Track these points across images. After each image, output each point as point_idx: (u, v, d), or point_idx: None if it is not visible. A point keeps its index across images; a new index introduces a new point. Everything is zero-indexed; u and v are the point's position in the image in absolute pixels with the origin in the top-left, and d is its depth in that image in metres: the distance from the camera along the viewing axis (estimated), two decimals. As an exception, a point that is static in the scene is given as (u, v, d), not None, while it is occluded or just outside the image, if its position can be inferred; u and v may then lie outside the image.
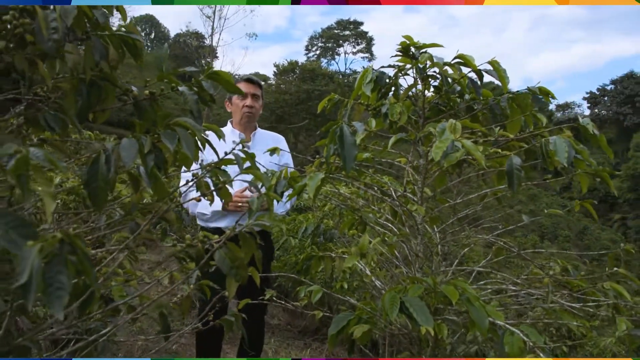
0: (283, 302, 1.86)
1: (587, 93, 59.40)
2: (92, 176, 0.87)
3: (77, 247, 0.53)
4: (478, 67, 1.53)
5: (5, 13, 0.81)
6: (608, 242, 43.04)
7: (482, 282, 1.81)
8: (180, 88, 1.12)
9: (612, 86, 56.40)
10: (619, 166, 50.67)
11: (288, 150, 2.83)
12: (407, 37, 1.53)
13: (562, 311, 1.67)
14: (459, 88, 1.64)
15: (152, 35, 55.02)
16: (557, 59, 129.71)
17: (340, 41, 59.19)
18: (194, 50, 43.48)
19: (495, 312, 1.41)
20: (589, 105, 59.17)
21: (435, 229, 1.88)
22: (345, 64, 71.59)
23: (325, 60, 58.46)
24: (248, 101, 2.75)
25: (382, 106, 1.52)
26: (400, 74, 1.54)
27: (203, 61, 44.87)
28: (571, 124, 1.46)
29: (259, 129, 2.87)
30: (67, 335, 1.21)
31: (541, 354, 1.28)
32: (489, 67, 1.54)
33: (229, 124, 2.88)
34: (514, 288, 1.65)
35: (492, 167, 1.51)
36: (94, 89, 1.13)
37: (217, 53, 39.06)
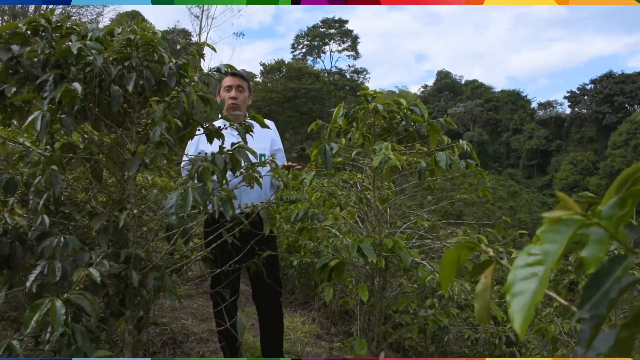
0: (287, 255, 2.80)
1: (567, 92, 60.83)
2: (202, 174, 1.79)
3: (230, 197, 1.45)
4: (409, 106, 2.49)
5: (168, 93, 1.73)
6: (584, 236, 44.63)
7: (417, 243, 2.78)
8: (234, 126, 2.04)
9: (592, 85, 57.99)
10: (597, 164, 52.46)
11: (277, 134, 3.14)
12: (365, 87, 2.48)
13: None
14: (399, 117, 2.58)
15: (139, 31, 54.98)
16: (539, 57, 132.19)
17: (326, 39, 60.17)
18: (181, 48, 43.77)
19: (415, 254, 2.37)
20: (569, 104, 60.68)
21: (388, 208, 2.84)
22: (331, 62, 72.42)
23: (311, 59, 59.35)
24: (232, 93, 3.00)
25: (349, 130, 2.46)
26: (360, 111, 2.48)
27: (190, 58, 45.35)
28: (455, 144, 2.41)
29: (248, 119, 3.10)
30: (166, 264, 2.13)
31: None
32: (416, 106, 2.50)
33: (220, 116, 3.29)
34: (429, 242, 2.63)
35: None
36: (186, 124, 2.05)
37: (203, 51, 39.65)
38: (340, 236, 2.89)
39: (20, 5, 28.29)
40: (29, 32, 1.88)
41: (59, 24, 1.84)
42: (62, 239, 1.57)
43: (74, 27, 1.93)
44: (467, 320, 4.42)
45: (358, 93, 2.47)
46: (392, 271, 2.56)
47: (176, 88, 1.75)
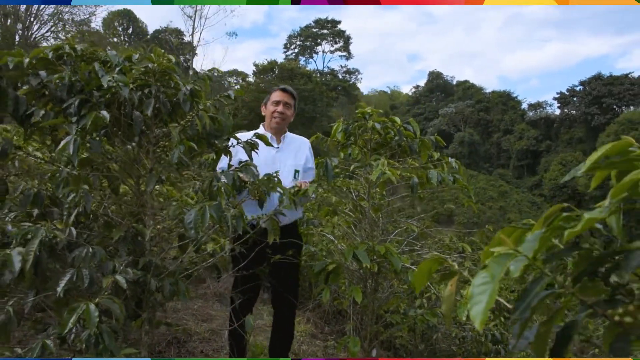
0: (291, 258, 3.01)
1: (557, 93, 61.37)
2: (214, 186, 1.99)
3: (242, 213, 1.66)
4: (402, 124, 2.71)
5: (183, 117, 1.92)
6: (573, 236, 45.21)
7: (407, 249, 2.99)
8: (241, 144, 2.24)
9: (581, 87, 58.66)
10: (586, 164, 52.90)
11: (312, 153, 3.21)
12: (363, 105, 2.70)
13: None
14: (393, 132, 2.80)
15: (130, 31, 54.73)
16: (531, 57, 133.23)
17: (319, 40, 60.35)
18: (173, 48, 43.71)
19: (405, 259, 2.58)
20: (559, 105, 61.26)
21: (381, 215, 3.05)
22: (323, 62, 72.62)
23: (304, 59, 59.52)
24: (280, 108, 3.09)
25: (347, 144, 2.68)
26: (358, 128, 2.70)
27: (182, 58, 45.34)
28: (444, 161, 2.63)
29: (288, 133, 3.22)
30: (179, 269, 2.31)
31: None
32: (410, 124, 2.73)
33: (261, 126, 3.20)
34: (417, 248, 2.84)
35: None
36: (197, 142, 2.24)
37: (196, 51, 39.64)
38: (335, 241, 3.10)
39: (11, 5, 28.16)
40: (54, 58, 2.06)
41: (83, 51, 2.02)
42: (90, 249, 1.76)
43: (94, 52, 2.12)
44: (455, 319, 4.64)
45: (357, 111, 2.69)
46: (383, 274, 2.77)
47: (190, 113, 1.94)
